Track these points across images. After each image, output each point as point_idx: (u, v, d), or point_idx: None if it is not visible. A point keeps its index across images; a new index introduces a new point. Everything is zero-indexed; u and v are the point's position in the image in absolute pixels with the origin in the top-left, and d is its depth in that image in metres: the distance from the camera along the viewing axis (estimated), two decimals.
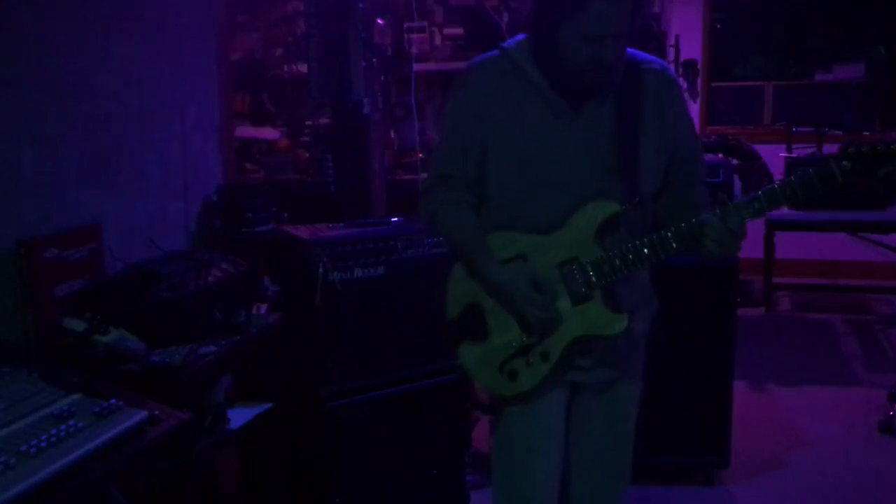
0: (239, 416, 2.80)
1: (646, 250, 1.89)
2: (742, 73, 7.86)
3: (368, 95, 3.65)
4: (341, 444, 2.93)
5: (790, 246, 6.07)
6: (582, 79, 1.87)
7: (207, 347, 2.56)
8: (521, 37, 2.01)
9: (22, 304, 2.52)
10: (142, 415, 2.00)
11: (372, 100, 3.70)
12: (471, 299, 2.01)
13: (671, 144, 1.98)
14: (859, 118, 6.82)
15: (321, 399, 2.88)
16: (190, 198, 3.52)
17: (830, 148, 5.72)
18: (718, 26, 7.46)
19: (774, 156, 5.64)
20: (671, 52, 5.53)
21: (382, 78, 3.97)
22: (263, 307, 3.03)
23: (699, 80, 6.43)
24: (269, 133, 4.91)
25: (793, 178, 1.82)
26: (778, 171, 5.35)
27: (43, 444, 1.78)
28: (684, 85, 5.96)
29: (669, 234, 1.88)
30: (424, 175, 3.84)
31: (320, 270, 2.82)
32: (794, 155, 5.66)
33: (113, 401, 2.01)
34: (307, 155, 4.71)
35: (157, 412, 2.05)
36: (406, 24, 4.65)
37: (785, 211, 5.01)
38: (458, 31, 5.01)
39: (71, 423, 1.89)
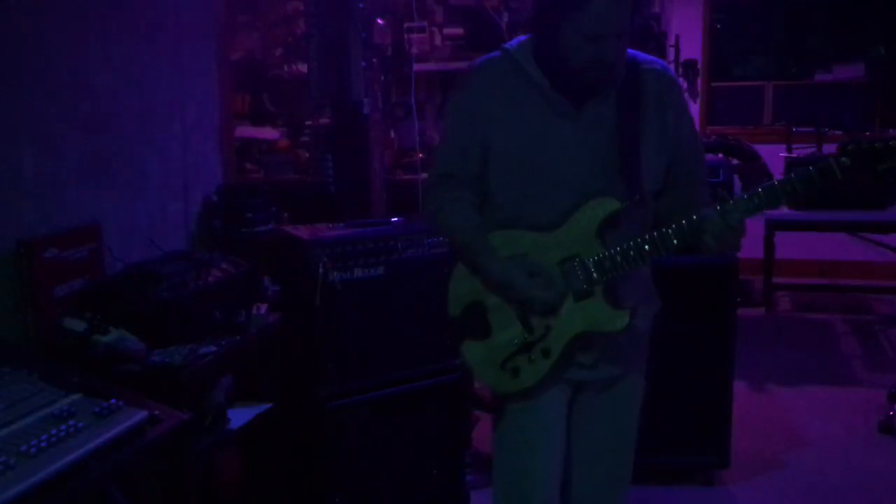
0: (239, 416, 2.80)
1: (647, 247, 1.90)
2: (742, 73, 7.87)
3: (368, 95, 3.65)
4: (341, 444, 2.93)
5: (790, 246, 6.06)
6: (583, 78, 1.88)
7: (207, 347, 2.57)
8: (522, 38, 2.02)
9: (22, 304, 2.52)
10: (142, 415, 2.00)
11: (372, 100, 3.71)
12: (473, 297, 2.02)
13: (672, 144, 1.99)
14: (859, 118, 6.82)
15: (321, 399, 2.88)
16: (190, 198, 3.52)
17: (830, 148, 5.71)
18: (718, 26, 7.46)
19: (774, 156, 5.63)
20: (671, 52, 5.54)
21: (382, 78, 3.97)
22: (263, 307, 3.03)
23: (699, 80, 6.44)
24: (269, 133, 4.91)
25: (792, 175, 1.83)
26: (778, 171, 5.34)
27: (43, 444, 1.78)
28: (684, 85, 5.96)
29: (670, 230, 1.89)
30: (424, 175, 3.84)
31: (320, 270, 2.82)
32: (794, 155, 5.65)
33: (113, 401, 2.01)
34: (307, 155, 4.71)
35: (157, 412, 2.05)
36: (406, 24, 4.65)
37: (785, 211, 5.01)
38: (458, 31, 5.01)
39: (71, 423, 1.89)
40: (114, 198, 3.01)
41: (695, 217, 1.86)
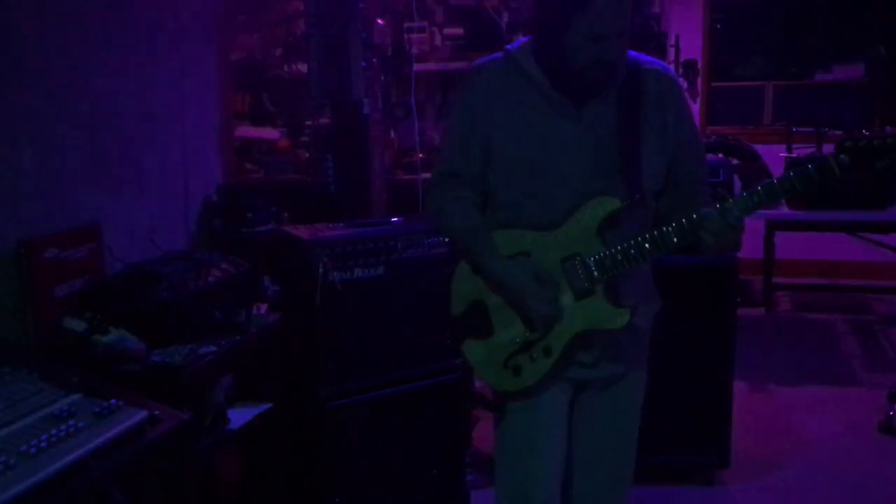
0: (239, 416, 2.80)
1: (647, 245, 1.91)
2: (742, 73, 7.87)
3: (368, 95, 3.65)
4: (341, 444, 2.92)
5: (790, 246, 6.07)
6: (584, 78, 1.89)
7: (207, 347, 2.57)
8: (523, 39, 2.04)
9: (22, 304, 2.52)
10: (142, 415, 2.00)
11: (372, 100, 3.71)
12: (475, 296, 2.03)
13: (672, 144, 2.00)
14: (859, 118, 6.82)
15: (321, 399, 2.87)
16: (190, 198, 3.52)
17: (830, 148, 5.62)
18: (718, 26, 7.46)
19: (774, 156, 5.63)
20: (671, 52, 5.53)
21: (382, 78, 3.97)
22: (263, 307, 3.03)
23: (699, 80, 6.42)
24: (269, 133, 4.90)
25: (791, 173, 1.84)
26: (778, 171, 5.27)
27: (43, 444, 1.78)
28: (684, 85, 5.95)
29: (671, 229, 1.90)
30: (424, 175, 3.85)
31: (320, 270, 2.81)
32: (794, 155, 5.64)
33: (113, 401, 2.01)
34: (307, 155, 4.70)
35: (157, 412, 2.05)
36: (406, 24, 4.64)
37: (785, 211, 5.00)
38: (458, 31, 5.00)
39: (71, 423, 1.89)
40: (114, 198, 3.01)
41: (695, 216, 1.87)
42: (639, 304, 2.00)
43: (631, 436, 2.15)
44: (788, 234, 5.75)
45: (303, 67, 4.49)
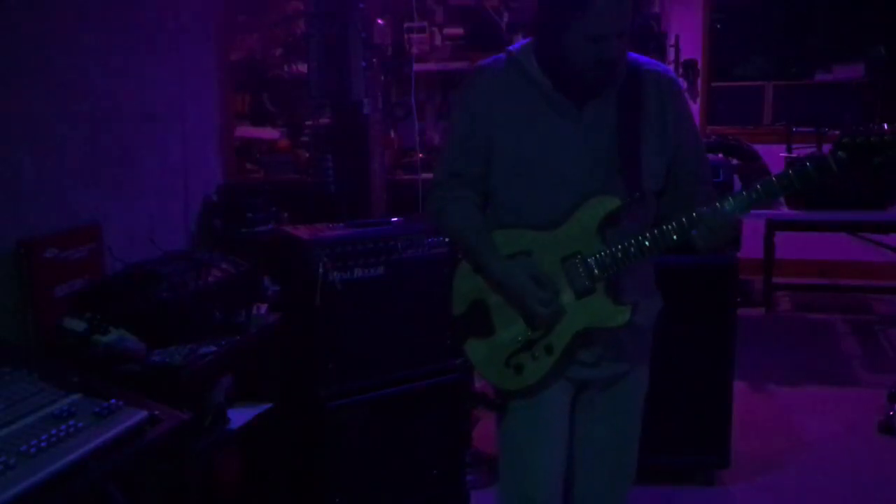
0: (239, 416, 2.80)
1: (647, 243, 1.92)
2: (742, 73, 7.87)
3: (368, 95, 3.65)
4: (341, 444, 2.93)
5: (790, 246, 6.07)
6: (585, 78, 1.90)
7: (207, 347, 2.57)
8: (524, 40, 2.05)
9: (22, 304, 2.52)
10: (142, 415, 2.00)
11: (372, 100, 3.70)
12: (476, 295, 2.04)
13: (672, 144, 2.01)
14: (859, 118, 6.81)
15: (321, 399, 2.87)
16: (190, 198, 3.52)
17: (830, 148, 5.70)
18: (718, 26, 7.46)
19: (774, 156, 5.62)
20: (671, 52, 5.52)
21: (382, 78, 3.97)
22: (263, 307, 3.03)
23: (699, 80, 6.42)
24: (269, 133, 4.90)
25: (790, 170, 1.85)
26: (778, 171, 5.33)
27: (43, 444, 1.78)
28: (684, 85, 5.95)
29: (670, 227, 1.91)
30: (424, 175, 3.85)
31: (320, 270, 2.82)
32: (794, 155, 5.64)
33: (113, 401, 2.01)
34: (307, 155, 4.70)
35: (157, 412, 2.05)
36: (406, 24, 4.64)
37: (785, 211, 5.00)
38: (458, 31, 5.00)
39: (71, 423, 1.89)
40: (114, 198, 3.01)
41: (694, 213, 1.88)
42: (640, 301, 2.01)
43: (632, 435, 2.16)
44: (788, 234, 5.75)
45: (303, 67, 4.48)
